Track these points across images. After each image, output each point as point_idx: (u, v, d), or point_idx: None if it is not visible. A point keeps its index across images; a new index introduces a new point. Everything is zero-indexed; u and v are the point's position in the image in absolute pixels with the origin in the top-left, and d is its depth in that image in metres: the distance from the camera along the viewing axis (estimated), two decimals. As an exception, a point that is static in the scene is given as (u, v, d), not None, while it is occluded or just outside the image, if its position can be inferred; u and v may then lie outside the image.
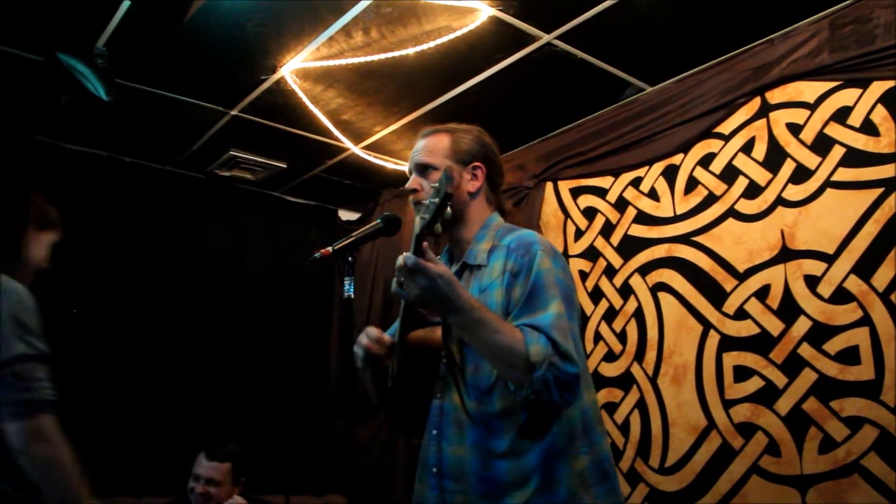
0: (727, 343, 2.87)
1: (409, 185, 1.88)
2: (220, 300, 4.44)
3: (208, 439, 3.21)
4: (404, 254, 1.51)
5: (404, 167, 4.20)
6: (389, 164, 4.25)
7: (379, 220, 1.81)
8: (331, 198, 5.01)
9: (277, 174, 4.47)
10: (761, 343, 2.76)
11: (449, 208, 1.53)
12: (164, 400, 4.01)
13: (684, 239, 3.11)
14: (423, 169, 1.87)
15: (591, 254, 3.52)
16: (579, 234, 3.61)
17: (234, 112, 3.70)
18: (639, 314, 3.25)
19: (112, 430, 3.74)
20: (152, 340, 4.09)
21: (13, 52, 3.11)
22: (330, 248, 1.71)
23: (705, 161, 3.09)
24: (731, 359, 2.85)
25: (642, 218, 3.32)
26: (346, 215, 5.21)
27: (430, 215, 1.49)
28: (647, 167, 3.33)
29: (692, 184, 3.13)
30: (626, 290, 3.32)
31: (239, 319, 4.48)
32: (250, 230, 4.76)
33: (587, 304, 3.48)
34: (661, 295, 3.16)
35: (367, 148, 4.11)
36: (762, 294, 2.78)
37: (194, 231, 4.46)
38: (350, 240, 1.74)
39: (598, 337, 3.41)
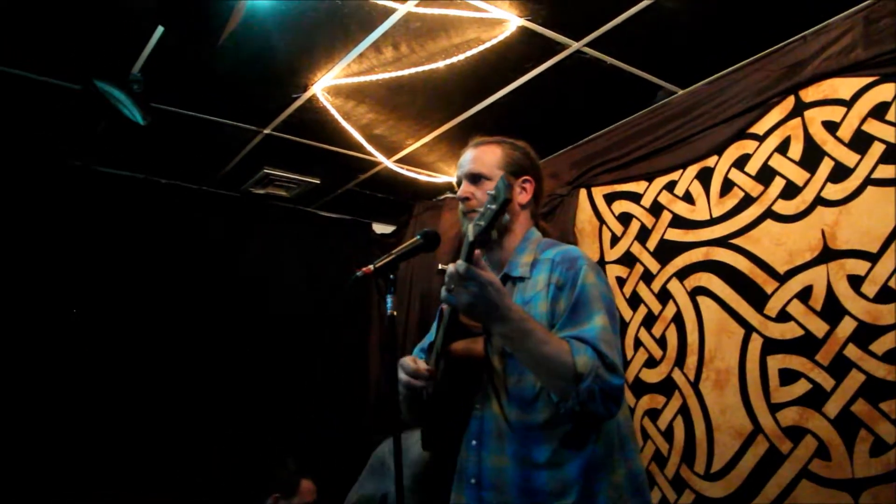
0: (771, 346, 2.82)
1: (461, 193, 1.90)
2: (257, 318, 4.46)
3: (247, 459, 3.41)
4: (458, 261, 1.52)
5: (437, 179, 4.27)
6: (422, 176, 4.25)
7: (418, 237, 1.82)
8: (364, 212, 5.02)
9: (311, 190, 4.49)
10: (806, 345, 2.70)
11: (508, 216, 1.53)
12: (205, 421, 4.07)
13: (722, 242, 3.05)
14: (475, 178, 1.90)
15: (628, 259, 3.49)
16: (615, 240, 3.58)
17: (267, 131, 3.73)
18: (678, 319, 3.20)
19: (150, 459, 3.81)
20: (194, 362, 4.13)
21: (51, 81, 3.17)
22: (371, 267, 1.72)
23: (740, 162, 3.04)
24: (776, 362, 2.79)
25: (678, 222, 3.28)
26: (380, 228, 5.22)
27: (486, 222, 1.49)
28: (681, 170, 3.30)
29: (728, 186, 3.08)
30: (664, 295, 3.29)
31: (276, 337, 4.51)
32: (286, 246, 4.76)
33: (625, 311, 3.45)
34: (700, 299, 3.10)
35: (400, 161, 4.12)
36: (804, 295, 2.73)
37: (231, 250, 4.50)
38: (391, 257, 1.75)
39: (637, 343, 3.38)
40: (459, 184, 1.95)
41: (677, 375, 3.17)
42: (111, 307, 3.91)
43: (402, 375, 1.79)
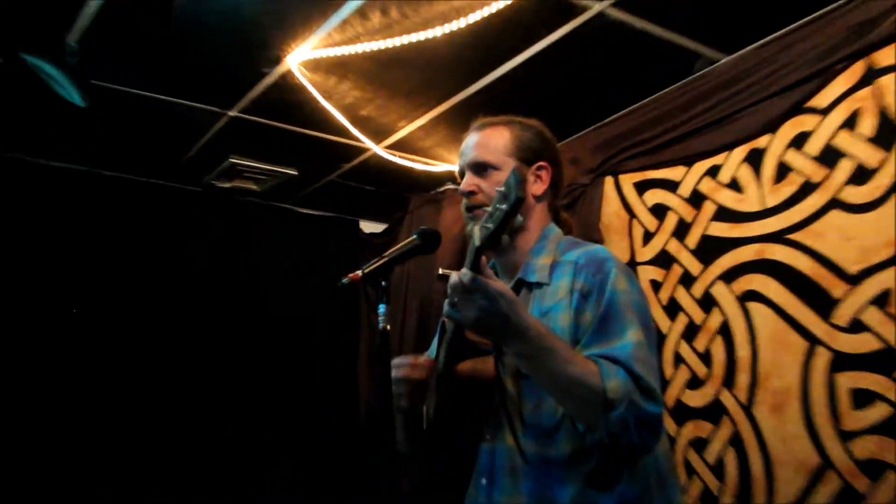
0: (841, 361, 2.74)
1: (464, 186, 1.91)
2: (228, 332, 4.66)
3: (247, 459, 4.17)
4: (461, 271, 1.50)
5: (435, 167, 4.24)
6: (418, 164, 4.26)
7: (415, 236, 1.83)
8: (350, 207, 5.07)
9: (286, 183, 4.52)
10: (884, 360, 2.61)
11: (520, 216, 1.48)
12: (205, 421, 4.48)
13: (777, 237, 2.99)
14: (480, 168, 1.90)
15: (664, 259, 3.45)
16: (648, 236, 3.55)
17: (232, 113, 3.77)
18: (725, 330, 3.15)
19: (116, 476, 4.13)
20: (193, 362, 4.50)
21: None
22: (359, 272, 1.74)
23: (798, 141, 2.97)
24: (848, 380, 2.72)
25: (723, 214, 3.22)
26: (369, 227, 5.26)
27: (495, 224, 1.43)
28: (726, 153, 3.24)
29: (783, 170, 3.02)
30: (707, 302, 3.23)
31: (251, 353, 4.73)
32: (258, 249, 4.90)
33: (662, 320, 3.41)
34: (752, 306, 3.05)
35: (392, 147, 4.17)
36: (881, 301, 2.65)
37: (191, 255, 4.64)
38: (383, 261, 1.77)
39: (677, 359, 3.33)
40: (462, 175, 1.95)
41: (726, 398, 3.11)
42: (62, 327, 4.15)
43: (397, 369, 1.82)
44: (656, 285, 3.47)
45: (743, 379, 3.06)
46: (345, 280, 1.74)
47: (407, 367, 1.83)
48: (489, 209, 1.48)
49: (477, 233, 1.49)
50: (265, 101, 3.63)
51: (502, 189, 1.43)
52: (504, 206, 1.41)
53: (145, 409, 4.30)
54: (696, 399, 3.24)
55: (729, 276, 3.17)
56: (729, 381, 3.12)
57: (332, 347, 5.06)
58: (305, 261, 4.96)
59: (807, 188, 2.94)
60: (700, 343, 3.26)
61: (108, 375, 4.24)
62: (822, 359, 2.81)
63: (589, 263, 1.75)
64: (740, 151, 3.20)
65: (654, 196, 3.55)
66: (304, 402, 4.89)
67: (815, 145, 2.94)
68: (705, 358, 3.23)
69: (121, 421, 4.21)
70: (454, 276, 1.51)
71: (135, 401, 4.28)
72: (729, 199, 3.22)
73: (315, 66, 3.33)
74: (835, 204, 2.84)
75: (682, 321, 3.35)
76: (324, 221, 5.10)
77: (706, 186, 3.33)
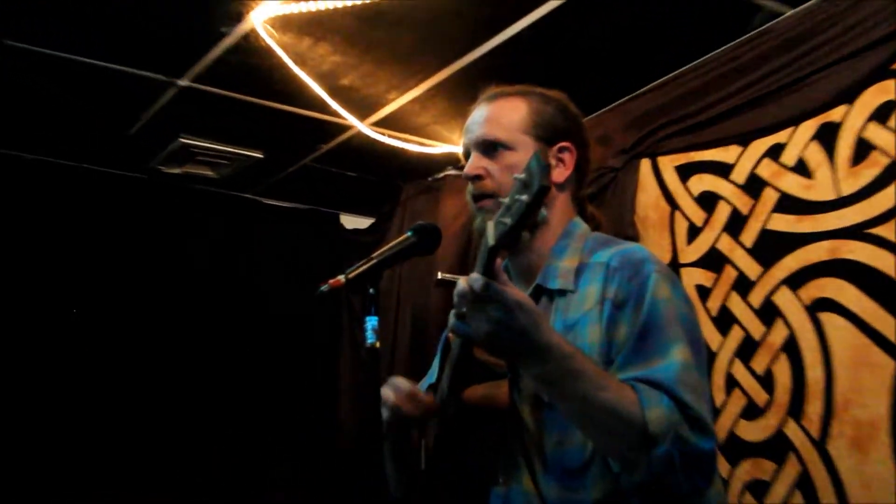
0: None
1: (469, 170, 1.89)
2: (180, 347, 4.91)
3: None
4: (470, 275, 1.46)
5: (433, 149, 4.23)
6: (411, 145, 4.24)
7: (410, 233, 1.81)
8: (329, 198, 5.07)
9: (250, 168, 4.51)
10: None
11: (543, 210, 1.47)
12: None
13: (856, 232, 2.96)
14: (490, 148, 1.89)
15: (714, 260, 3.44)
16: (694, 231, 3.54)
17: (183, 82, 3.76)
18: (791, 347, 3.12)
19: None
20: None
21: None
22: (342, 277, 1.72)
23: (882, 113, 2.92)
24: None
25: (788, 203, 3.20)
26: (352, 222, 5.27)
27: (514, 219, 1.40)
28: (791, 129, 3.22)
29: (864, 149, 2.98)
30: (769, 312, 3.21)
31: (249, 353, 5.08)
32: (215, 249, 5.03)
33: (712, 335, 3.39)
34: (825, 317, 3.02)
35: (379, 124, 4.17)
36: None
37: (132, 256, 4.76)
38: (370, 263, 1.75)
39: (730, 383, 3.31)
40: (467, 156, 1.94)
41: (793, 431, 3.08)
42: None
43: (388, 394, 1.82)
44: (704, 292, 3.46)
45: (814, 408, 3.03)
46: (324, 287, 1.72)
47: (403, 396, 1.82)
48: (505, 200, 1.44)
49: (491, 229, 1.44)
50: (223, 68, 3.62)
51: (522, 176, 1.39)
52: (525, 198, 1.37)
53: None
54: (753, 432, 3.22)
55: (795, 280, 3.15)
56: (796, 410, 3.08)
57: (309, 372, 5.28)
58: (270, 263, 5.11)
59: (892, 171, 2.90)
60: (759, 363, 3.24)
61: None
62: (916, 382, 2.75)
63: (623, 266, 1.73)
64: (809, 126, 3.17)
65: (702, 182, 3.55)
66: (303, 403, 5.27)
67: (904, 117, 2.90)
68: (766, 381, 3.21)
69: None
70: (462, 283, 1.47)
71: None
72: (795, 185, 3.20)
73: (285, 24, 3.32)
74: (929, 190, 2.79)
75: (736, 336, 3.34)
76: (297, 215, 5.11)
77: (766, 170, 3.31)
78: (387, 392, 1.82)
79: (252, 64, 3.55)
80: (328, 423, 5.35)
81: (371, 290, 1.76)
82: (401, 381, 1.85)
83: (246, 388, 5.14)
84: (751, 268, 3.30)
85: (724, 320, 3.36)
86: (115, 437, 4.63)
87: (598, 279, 1.75)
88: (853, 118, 3.04)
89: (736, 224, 3.38)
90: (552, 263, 1.84)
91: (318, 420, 5.33)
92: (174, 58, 3.56)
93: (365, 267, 1.74)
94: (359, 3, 3.15)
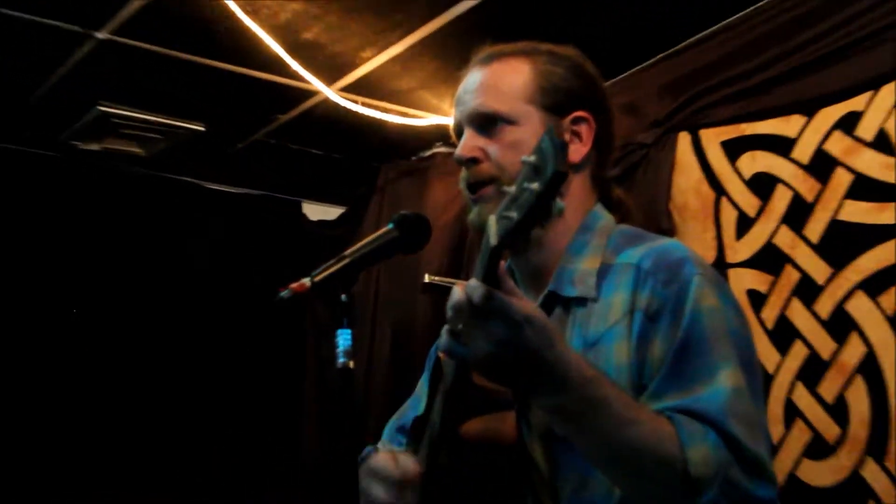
0: None
1: (462, 151, 1.91)
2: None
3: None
4: (468, 282, 1.45)
5: (417, 120, 4.22)
6: (391, 115, 4.23)
7: (390, 226, 1.84)
8: (289, 182, 5.09)
9: (189, 143, 4.49)
10: None
11: (560, 201, 1.45)
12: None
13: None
14: (486, 122, 1.91)
15: (771, 259, 3.49)
16: (745, 223, 3.59)
17: (102, 35, 3.72)
18: (869, 367, 3.15)
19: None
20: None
21: None
22: (307, 281, 1.73)
23: None
24: None
25: (865, 189, 3.22)
26: (317, 211, 5.31)
27: (522, 213, 1.37)
28: (868, 94, 3.22)
29: (959, 120, 2.86)
30: (840, 324, 3.24)
31: (205, 376, 5.53)
32: (142, 245, 5.18)
33: (768, 353, 3.42)
34: (914, 330, 2.88)
35: (350, 90, 4.15)
36: None
37: (45, 251, 4.94)
38: (342, 263, 1.78)
39: (791, 412, 3.37)
40: (459, 133, 1.95)
41: (872, 473, 3.11)
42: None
43: (371, 489, 1.83)
44: (758, 299, 3.50)
45: (900, 445, 2.90)
46: (284, 293, 1.72)
47: (392, 486, 1.81)
48: (509, 189, 1.42)
49: (493, 226, 1.43)
50: (153, 18, 3.63)
51: (531, 158, 1.37)
52: (536, 186, 1.35)
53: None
54: (822, 475, 3.25)
55: (874, 284, 3.18)
56: (877, 448, 3.11)
57: (267, 394, 5.74)
58: (216, 263, 5.28)
59: None
60: (828, 389, 3.28)
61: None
62: None
63: (657, 268, 1.75)
64: (891, 90, 3.17)
65: (755, 162, 3.59)
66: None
67: None
68: (837, 411, 3.24)
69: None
70: (457, 291, 1.46)
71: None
72: (873, 165, 3.22)
73: (231, -40, 3.16)
74: None
75: (799, 354, 3.38)
76: (248, 203, 5.18)
77: (837, 146, 3.33)
78: (369, 485, 1.83)
79: (190, 13, 3.54)
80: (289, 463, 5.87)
81: (343, 297, 1.78)
82: (382, 459, 1.84)
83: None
84: (818, 269, 3.34)
85: (784, 335, 3.40)
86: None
87: (625, 285, 1.77)
88: (946, 81, 2.95)
89: (799, 214, 3.41)
90: (568, 265, 1.86)
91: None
92: (91, 5, 3.50)
93: (335, 268, 1.76)
94: (324, -64, 3.11)
